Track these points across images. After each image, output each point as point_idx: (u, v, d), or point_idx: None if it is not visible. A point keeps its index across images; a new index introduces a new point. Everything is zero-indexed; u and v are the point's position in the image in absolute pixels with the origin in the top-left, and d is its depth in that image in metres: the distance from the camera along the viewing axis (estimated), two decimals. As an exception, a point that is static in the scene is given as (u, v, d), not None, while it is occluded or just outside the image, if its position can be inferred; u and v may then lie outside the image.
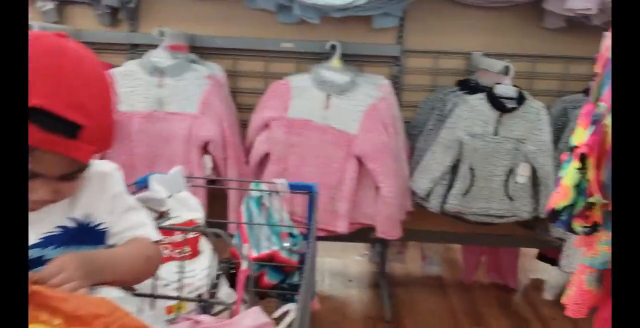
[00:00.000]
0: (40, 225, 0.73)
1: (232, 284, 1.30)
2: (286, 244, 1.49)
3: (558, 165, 1.56)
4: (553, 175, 1.88)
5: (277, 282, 1.51)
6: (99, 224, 0.79)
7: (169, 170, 1.43)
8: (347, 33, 2.15)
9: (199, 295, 1.10)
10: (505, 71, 1.93)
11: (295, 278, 1.48)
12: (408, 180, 2.05)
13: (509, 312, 2.24)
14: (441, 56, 2.18)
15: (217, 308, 1.26)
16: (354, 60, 2.12)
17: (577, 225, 1.07)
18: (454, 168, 1.96)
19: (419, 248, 2.60)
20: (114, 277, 0.74)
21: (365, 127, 1.96)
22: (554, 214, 1.08)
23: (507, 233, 2.19)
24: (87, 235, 0.77)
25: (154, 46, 1.96)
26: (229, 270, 1.37)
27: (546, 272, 2.46)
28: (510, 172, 1.94)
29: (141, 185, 1.43)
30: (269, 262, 1.48)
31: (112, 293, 0.70)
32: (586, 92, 1.90)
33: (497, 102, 1.93)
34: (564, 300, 1.17)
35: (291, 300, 1.39)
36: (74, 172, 0.71)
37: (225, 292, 1.30)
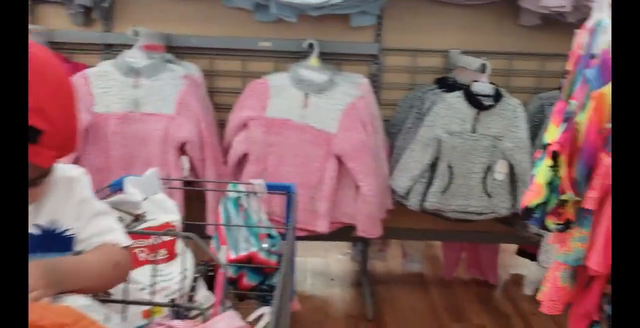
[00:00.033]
0: (4, 232, 0.71)
1: (211, 287, 1.29)
2: (265, 245, 1.48)
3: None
4: (530, 171, 1.90)
5: (256, 284, 1.50)
6: (65, 230, 0.77)
7: (146, 172, 1.41)
8: (325, 31, 2.14)
9: (172, 300, 1.08)
10: (482, 69, 1.94)
11: (274, 280, 1.47)
12: (388, 179, 2.05)
13: (489, 308, 2.26)
14: (419, 54, 2.19)
15: (196, 311, 1.25)
16: (332, 58, 2.12)
17: (551, 222, 1.08)
18: (433, 166, 1.97)
19: (399, 246, 2.61)
20: (81, 285, 0.72)
21: (344, 125, 1.95)
22: (528, 212, 1.08)
23: (486, 230, 2.21)
24: (52, 241, 0.75)
25: (129, 46, 1.93)
26: (207, 272, 1.35)
27: (526, 268, 2.49)
28: (488, 169, 1.96)
29: (116, 187, 1.41)
30: (247, 263, 1.47)
31: (78, 302, 0.68)
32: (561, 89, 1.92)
33: (474, 100, 1.94)
34: (539, 296, 1.18)
35: (271, 301, 1.39)
36: (35, 178, 0.70)
37: (203, 295, 1.29)
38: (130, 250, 1.16)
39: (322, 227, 1.98)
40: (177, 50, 2.10)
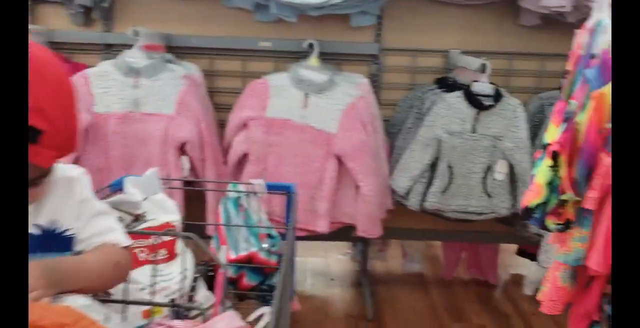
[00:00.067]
0: (4, 232, 0.71)
1: (211, 287, 1.29)
2: (265, 245, 1.48)
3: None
4: (530, 171, 1.90)
5: (256, 284, 1.50)
6: (65, 230, 0.77)
7: (146, 172, 1.41)
8: (325, 31, 2.14)
9: (172, 300, 1.08)
10: (482, 69, 1.94)
11: (274, 280, 1.47)
12: (388, 179, 2.05)
13: (489, 308, 2.26)
14: (419, 54, 2.19)
15: (196, 311, 1.25)
16: (332, 58, 2.12)
17: (551, 222, 1.08)
18: (433, 166, 1.97)
19: (399, 246, 2.61)
20: (81, 285, 0.72)
21: (344, 125, 1.95)
22: (528, 212, 1.08)
23: (486, 230, 2.21)
24: (52, 242, 0.75)
25: (129, 46, 1.93)
26: (207, 272, 1.35)
27: (526, 268, 2.49)
28: (488, 169, 1.96)
29: (116, 187, 1.41)
30: (247, 263, 1.47)
31: (78, 302, 0.68)
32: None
33: (474, 100, 1.94)
34: (540, 296, 1.18)
35: (271, 301, 1.38)
36: (35, 178, 0.70)
37: (203, 295, 1.29)
38: (131, 250, 1.16)
39: (322, 227, 1.98)
40: (177, 50, 2.10)
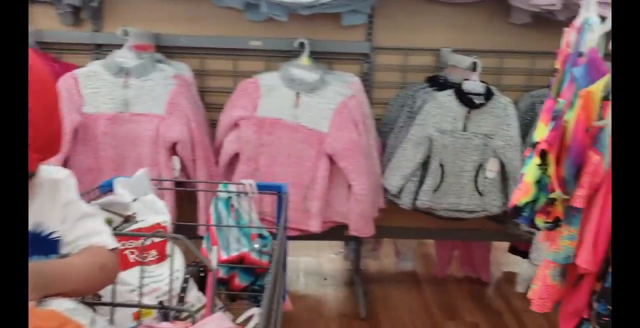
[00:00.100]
0: (-12, 235, 0.70)
1: (202, 287, 1.29)
2: (256, 245, 1.48)
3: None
4: (521, 169, 1.90)
5: (247, 284, 1.50)
6: (50, 233, 0.76)
7: (136, 173, 1.40)
8: (316, 30, 2.14)
9: (161, 302, 1.08)
10: (473, 67, 1.94)
11: (266, 280, 1.47)
12: (380, 178, 2.05)
13: (482, 305, 2.27)
14: (411, 53, 2.19)
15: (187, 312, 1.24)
16: (323, 57, 2.12)
17: (540, 220, 1.08)
18: (425, 165, 1.97)
19: (392, 244, 2.61)
20: (67, 288, 0.72)
21: (336, 125, 1.95)
22: (517, 210, 1.09)
23: (478, 228, 2.21)
24: (38, 245, 0.75)
25: (119, 46, 1.92)
26: (198, 273, 1.35)
27: (518, 265, 2.50)
28: (480, 167, 1.96)
29: (106, 189, 1.40)
30: (239, 264, 1.46)
31: (63, 305, 0.68)
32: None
33: (465, 98, 1.94)
34: (530, 294, 1.19)
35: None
36: (20, 181, 0.69)
37: (194, 296, 1.28)
38: (121, 252, 1.16)
39: (315, 226, 1.98)
40: (168, 50, 2.09)
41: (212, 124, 2.05)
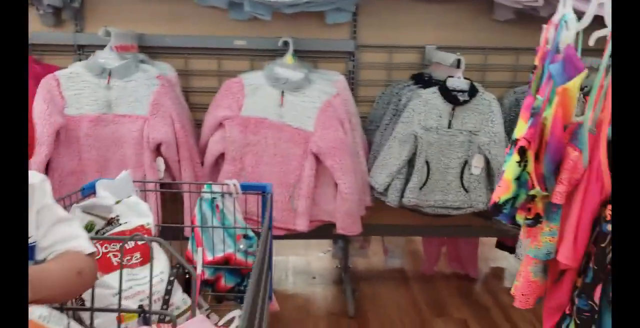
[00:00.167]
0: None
1: (187, 289, 1.28)
2: (241, 246, 1.48)
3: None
4: (506, 165, 1.92)
5: (234, 285, 1.50)
6: (25, 239, 0.75)
7: (119, 175, 1.39)
8: (300, 29, 2.13)
9: (140, 306, 1.07)
10: (457, 64, 1.94)
11: (252, 280, 1.47)
12: (366, 176, 2.05)
13: (470, 301, 2.28)
14: (395, 50, 2.19)
15: (174, 313, 1.23)
16: (308, 56, 2.11)
17: (520, 217, 1.09)
18: (411, 162, 1.97)
19: (380, 242, 2.62)
20: (43, 294, 0.71)
21: (321, 123, 1.95)
22: (497, 207, 1.09)
23: (465, 224, 2.22)
24: (12, 251, 0.74)
25: (102, 47, 1.90)
26: (183, 275, 1.34)
27: (506, 260, 2.51)
28: (465, 164, 1.97)
29: (88, 191, 1.39)
30: (224, 265, 1.46)
31: (36, 313, 0.67)
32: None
33: (449, 96, 1.95)
34: (512, 291, 1.19)
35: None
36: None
37: (179, 298, 1.27)
38: (104, 256, 1.15)
39: (302, 225, 1.98)
40: (151, 50, 2.08)
41: (198, 124, 2.04)
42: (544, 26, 1.15)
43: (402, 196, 1.98)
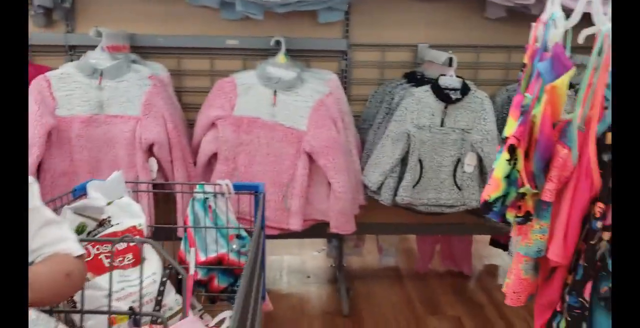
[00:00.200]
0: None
1: (180, 290, 1.28)
2: (234, 246, 1.48)
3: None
4: (499, 163, 1.92)
5: (227, 285, 1.49)
6: (13, 242, 0.75)
7: (110, 176, 1.39)
8: (292, 28, 2.13)
9: (131, 308, 1.07)
10: (449, 62, 1.95)
11: (246, 280, 1.47)
12: (359, 175, 2.05)
13: (464, 299, 2.29)
14: (388, 49, 2.19)
15: (167, 314, 1.23)
16: (301, 55, 2.11)
17: (511, 215, 1.09)
18: (404, 161, 1.97)
19: (375, 240, 2.62)
20: (31, 297, 0.70)
21: (314, 122, 1.95)
22: (487, 206, 1.09)
23: (458, 222, 2.23)
24: (0, 253, 0.73)
25: (93, 47, 1.90)
26: (176, 275, 1.34)
27: (500, 257, 2.52)
28: (458, 162, 1.97)
29: (79, 192, 1.39)
30: (217, 265, 1.46)
31: (24, 315, 0.67)
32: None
33: (442, 94, 1.95)
34: (504, 289, 1.20)
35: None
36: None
37: (172, 299, 1.27)
38: (95, 257, 1.14)
39: (295, 225, 1.98)
40: (143, 50, 2.07)
41: (191, 124, 2.04)
42: (533, 24, 1.16)
43: (395, 194, 1.98)
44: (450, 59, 1.94)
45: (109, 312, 0.99)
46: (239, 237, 1.49)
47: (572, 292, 1.04)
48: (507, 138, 1.09)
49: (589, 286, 1.00)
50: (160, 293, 1.24)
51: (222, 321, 1.12)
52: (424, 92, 1.96)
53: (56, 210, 1.19)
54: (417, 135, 1.94)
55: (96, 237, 1.20)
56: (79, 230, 1.22)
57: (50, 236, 0.78)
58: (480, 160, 1.98)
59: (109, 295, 1.01)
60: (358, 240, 2.54)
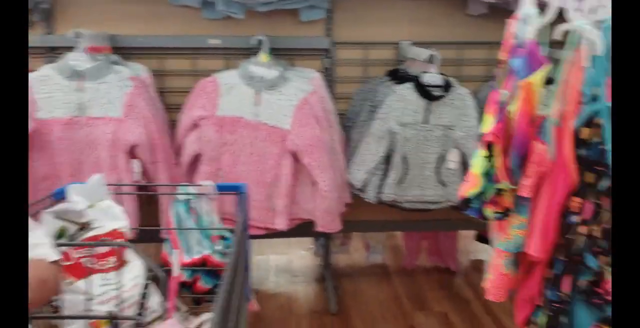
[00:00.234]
0: None
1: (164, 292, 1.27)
2: (218, 247, 1.47)
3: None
4: (482, 159, 1.93)
5: (212, 287, 1.49)
6: (-15, 248, 0.74)
7: (91, 178, 1.38)
8: (275, 27, 2.12)
9: (109, 312, 1.06)
10: (431, 59, 1.95)
11: (230, 281, 1.46)
12: (345, 173, 2.06)
13: (450, 294, 2.30)
14: (371, 47, 2.19)
15: (151, 316, 1.23)
16: (284, 54, 2.10)
17: (489, 211, 1.10)
18: (388, 158, 1.98)
19: (361, 238, 2.63)
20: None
21: (298, 121, 1.94)
22: (465, 202, 1.10)
23: (444, 218, 2.24)
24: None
25: (73, 49, 1.88)
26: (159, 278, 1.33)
27: (486, 253, 2.53)
28: (442, 158, 1.98)
29: (60, 196, 1.38)
30: (201, 266, 1.45)
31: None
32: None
33: (424, 91, 1.96)
34: (485, 284, 1.20)
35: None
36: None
37: (155, 302, 1.27)
38: (77, 261, 1.13)
39: (281, 224, 1.98)
40: (124, 51, 2.05)
41: (173, 125, 2.02)
42: (508, 21, 1.16)
43: (380, 192, 1.98)
44: (432, 56, 1.95)
45: (87, 317, 0.98)
46: (223, 238, 1.49)
47: (551, 286, 1.05)
48: (484, 134, 1.09)
49: (567, 280, 1.01)
50: (143, 296, 1.24)
51: (203, 323, 1.11)
52: (407, 90, 1.97)
53: (37, 215, 1.18)
54: (401, 133, 1.95)
55: (77, 240, 1.19)
56: (59, 234, 1.21)
57: (24, 242, 0.77)
58: (463, 156, 1.98)
59: (90, 299, 1.00)
60: (345, 238, 2.55)
